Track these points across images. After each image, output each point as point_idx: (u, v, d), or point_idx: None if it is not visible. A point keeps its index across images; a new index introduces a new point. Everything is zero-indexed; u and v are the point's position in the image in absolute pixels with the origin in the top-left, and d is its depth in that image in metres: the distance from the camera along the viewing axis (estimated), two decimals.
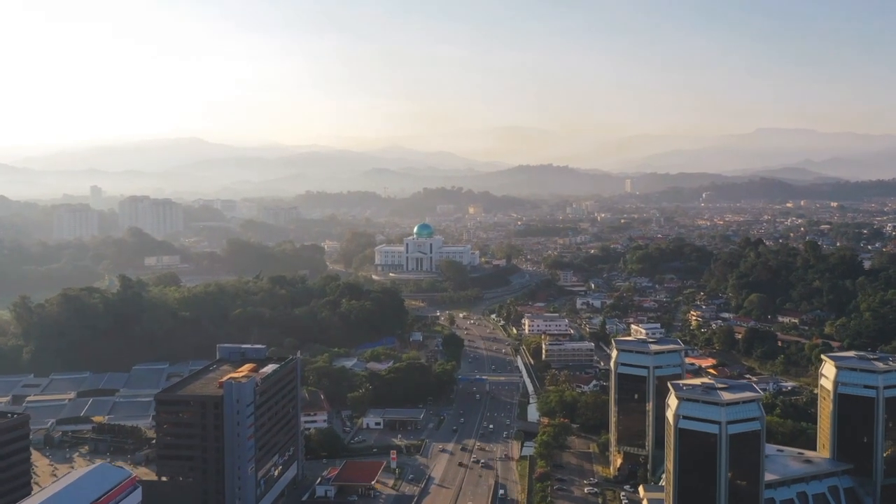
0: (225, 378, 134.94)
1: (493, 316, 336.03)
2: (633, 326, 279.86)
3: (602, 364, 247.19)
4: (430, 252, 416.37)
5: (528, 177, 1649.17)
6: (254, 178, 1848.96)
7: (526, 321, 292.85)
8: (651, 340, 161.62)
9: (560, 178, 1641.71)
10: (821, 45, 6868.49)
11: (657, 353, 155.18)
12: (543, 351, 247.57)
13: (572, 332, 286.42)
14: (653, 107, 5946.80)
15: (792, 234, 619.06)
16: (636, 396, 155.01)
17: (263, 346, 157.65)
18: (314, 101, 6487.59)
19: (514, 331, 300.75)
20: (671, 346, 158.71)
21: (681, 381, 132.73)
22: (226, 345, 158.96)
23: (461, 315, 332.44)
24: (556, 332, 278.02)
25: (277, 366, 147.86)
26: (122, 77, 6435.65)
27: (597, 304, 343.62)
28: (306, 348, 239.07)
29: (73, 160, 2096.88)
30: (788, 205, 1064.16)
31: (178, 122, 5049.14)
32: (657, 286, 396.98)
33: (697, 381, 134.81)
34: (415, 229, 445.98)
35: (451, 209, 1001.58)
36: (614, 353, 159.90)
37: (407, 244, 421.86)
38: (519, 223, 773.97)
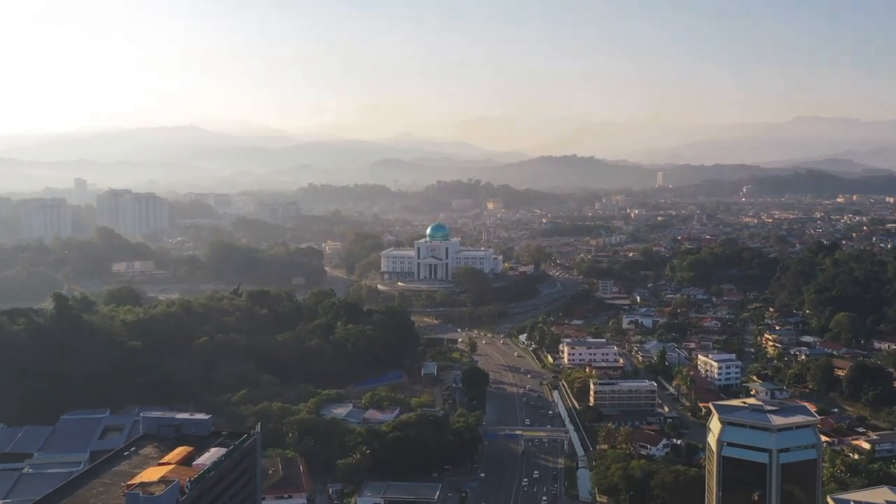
0: (134, 481, 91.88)
1: (523, 338, 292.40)
2: (700, 357, 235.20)
3: (667, 409, 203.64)
4: (446, 257, 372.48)
5: (550, 168, 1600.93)
6: (256, 170, 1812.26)
7: (565, 348, 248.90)
8: (770, 408, 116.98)
9: (585, 170, 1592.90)
10: (859, 28, 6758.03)
11: (782, 429, 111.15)
12: (591, 393, 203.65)
13: (622, 362, 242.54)
14: (680, 96, 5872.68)
15: (855, 234, 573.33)
16: (753, 495, 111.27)
17: (207, 417, 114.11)
18: (321, 88, 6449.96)
19: (550, 359, 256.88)
20: (800, 419, 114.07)
21: (850, 498, 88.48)
22: (153, 414, 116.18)
23: (483, 340, 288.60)
24: (603, 363, 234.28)
25: (225, 451, 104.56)
26: (118, 59, 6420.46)
27: (647, 323, 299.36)
28: (290, 388, 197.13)
29: (64, 149, 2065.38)
30: (839, 199, 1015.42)
31: (178, 110, 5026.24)
32: (714, 299, 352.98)
33: (875, 495, 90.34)
34: (428, 230, 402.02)
35: (468, 204, 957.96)
36: (716, 426, 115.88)
37: (418, 248, 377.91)
38: (544, 221, 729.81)
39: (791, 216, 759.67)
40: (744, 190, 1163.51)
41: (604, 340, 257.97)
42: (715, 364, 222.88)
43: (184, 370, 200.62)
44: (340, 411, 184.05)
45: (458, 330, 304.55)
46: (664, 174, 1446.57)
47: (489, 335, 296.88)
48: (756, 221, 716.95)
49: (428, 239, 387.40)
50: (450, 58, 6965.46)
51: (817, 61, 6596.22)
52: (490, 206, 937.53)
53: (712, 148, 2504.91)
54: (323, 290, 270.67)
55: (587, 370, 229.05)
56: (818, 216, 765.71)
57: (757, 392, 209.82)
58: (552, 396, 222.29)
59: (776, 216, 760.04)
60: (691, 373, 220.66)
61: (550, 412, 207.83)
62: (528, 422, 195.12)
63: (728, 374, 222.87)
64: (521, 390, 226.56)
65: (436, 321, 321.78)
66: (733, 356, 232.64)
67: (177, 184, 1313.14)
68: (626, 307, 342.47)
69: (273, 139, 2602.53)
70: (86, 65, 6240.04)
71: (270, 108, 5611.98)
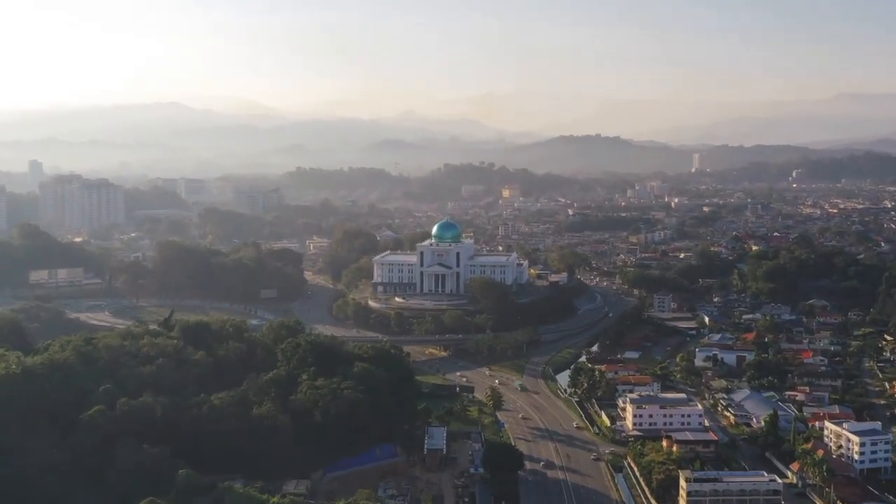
0: None
1: (563, 379, 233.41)
2: (828, 426, 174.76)
3: None
4: (457, 265, 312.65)
5: (570, 150, 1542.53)
6: (242, 151, 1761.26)
7: (628, 408, 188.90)
8: None
9: (609, 151, 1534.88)
10: None
11: None
12: (682, 494, 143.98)
13: (710, 428, 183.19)
14: (707, 71, 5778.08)
15: None
16: None
17: None
18: (316, 61, 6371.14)
19: (605, 420, 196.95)
20: None
21: None
22: None
23: (508, 383, 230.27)
24: (686, 434, 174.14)
25: None
26: (93, 32, 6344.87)
27: (728, 358, 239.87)
28: (220, 494, 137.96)
29: (32, 128, 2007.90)
30: None
31: (158, 86, 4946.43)
32: (805, 319, 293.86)
33: None
34: (434, 229, 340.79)
35: (479, 191, 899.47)
36: None
37: (422, 253, 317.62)
38: (570, 212, 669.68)
39: (858, 206, 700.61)
40: (793, 175, 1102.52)
41: (683, 396, 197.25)
42: (855, 440, 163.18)
43: (65, 460, 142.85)
44: None
45: (474, 368, 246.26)
46: (700, 156, 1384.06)
47: (516, 377, 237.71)
48: (819, 212, 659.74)
49: (434, 241, 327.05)
50: (455, 30, 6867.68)
51: (859, 32, 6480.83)
52: (505, 193, 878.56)
53: (748, 127, 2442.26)
54: (286, 323, 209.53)
55: (664, 444, 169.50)
56: (889, 206, 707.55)
57: None
58: (614, 485, 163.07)
59: (841, 206, 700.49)
60: (821, 453, 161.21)
61: None
62: None
63: (874, 453, 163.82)
64: (566, 473, 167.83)
65: (443, 353, 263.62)
66: (878, 426, 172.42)
67: (152, 166, 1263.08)
68: (693, 332, 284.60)
69: (262, 117, 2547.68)
70: (58, 37, 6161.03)
71: (260, 83, 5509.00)
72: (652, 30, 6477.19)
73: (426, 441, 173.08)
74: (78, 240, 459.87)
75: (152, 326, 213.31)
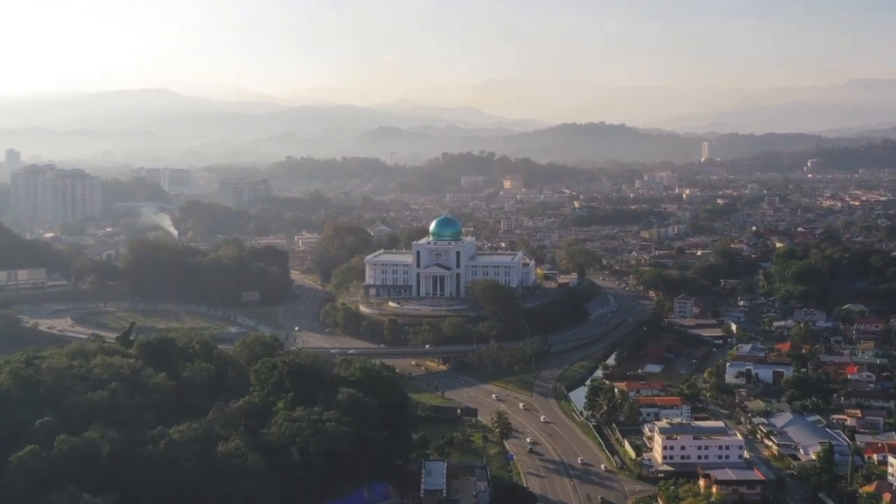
0: None
1: (578, 399, 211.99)
2: (892, 460, 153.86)
3: None
4: (457, 265, 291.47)
5: (573, 138, 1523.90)
6: (233, 139, 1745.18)
7: (657, 438, 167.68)
8: None
9: (615, 139, 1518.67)
10: None
11: None
12: None
13: (753, 463, 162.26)
14: (713, 57, 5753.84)
15: None
16: None
17: None
18: (310, 46, 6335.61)
19: (630, 450, 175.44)
20: None
21: None
22: None
23: (514, 402, 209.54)
24: (727, 473, 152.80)
25: None
26: (77, 14, 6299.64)
27: (764, 375, 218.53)
28: None
29: (14, 116, 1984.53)
30: None
31: (146, 71, 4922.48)
32: (841, 326, 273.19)
33: None
34: (431, 226, 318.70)
35: (480, 182, 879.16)
36: None
37: (418, 253, 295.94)
38: (576, 204, 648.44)
39: (881, 198, 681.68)
40: (808, 164, 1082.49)
41: (721, 425, 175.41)
42: None
43: None
44: None
45: (477, 384, 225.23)
46: (709, 145, 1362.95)
47: (524, 396, 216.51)
48: (839, 205, 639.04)
49: (432, 239, 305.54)
50: (453, 14, 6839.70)
51: (870, 17, 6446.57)
52: (507, 184, 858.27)
53: (757, 115, 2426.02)
54: (261, 339, 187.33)
55: (702, 484, 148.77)
56: None
57: None
58: None
59: (863, 198, 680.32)
60: (887, 497, 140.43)
61: None
62: None
63: None
64: None
65: (442, 366, 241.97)
66: None
67: (136, 155, 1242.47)
68: (719, 341, 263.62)
69: (254, 104, 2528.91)
70: (43, 23, 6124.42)
71: (252, 69, 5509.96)
72: (657, 14, 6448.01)
73: (423, 479, 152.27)
74: (48, 235, 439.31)
75: (109, 340, 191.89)
